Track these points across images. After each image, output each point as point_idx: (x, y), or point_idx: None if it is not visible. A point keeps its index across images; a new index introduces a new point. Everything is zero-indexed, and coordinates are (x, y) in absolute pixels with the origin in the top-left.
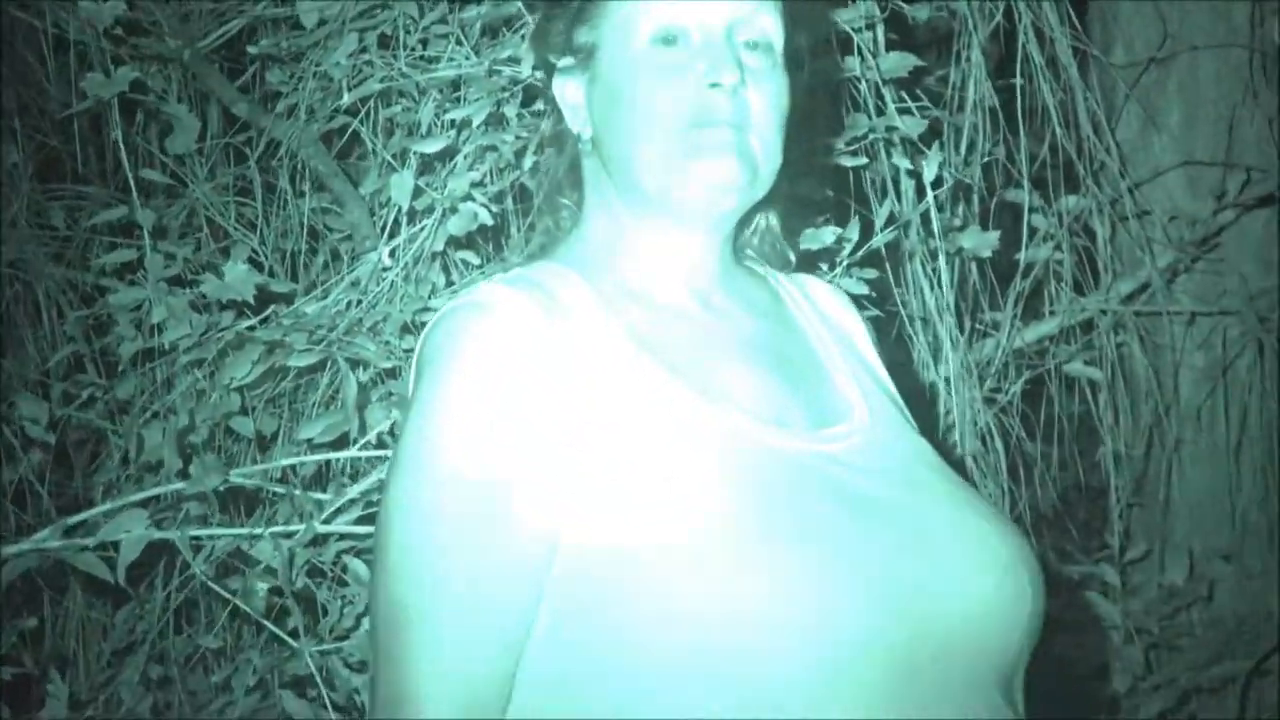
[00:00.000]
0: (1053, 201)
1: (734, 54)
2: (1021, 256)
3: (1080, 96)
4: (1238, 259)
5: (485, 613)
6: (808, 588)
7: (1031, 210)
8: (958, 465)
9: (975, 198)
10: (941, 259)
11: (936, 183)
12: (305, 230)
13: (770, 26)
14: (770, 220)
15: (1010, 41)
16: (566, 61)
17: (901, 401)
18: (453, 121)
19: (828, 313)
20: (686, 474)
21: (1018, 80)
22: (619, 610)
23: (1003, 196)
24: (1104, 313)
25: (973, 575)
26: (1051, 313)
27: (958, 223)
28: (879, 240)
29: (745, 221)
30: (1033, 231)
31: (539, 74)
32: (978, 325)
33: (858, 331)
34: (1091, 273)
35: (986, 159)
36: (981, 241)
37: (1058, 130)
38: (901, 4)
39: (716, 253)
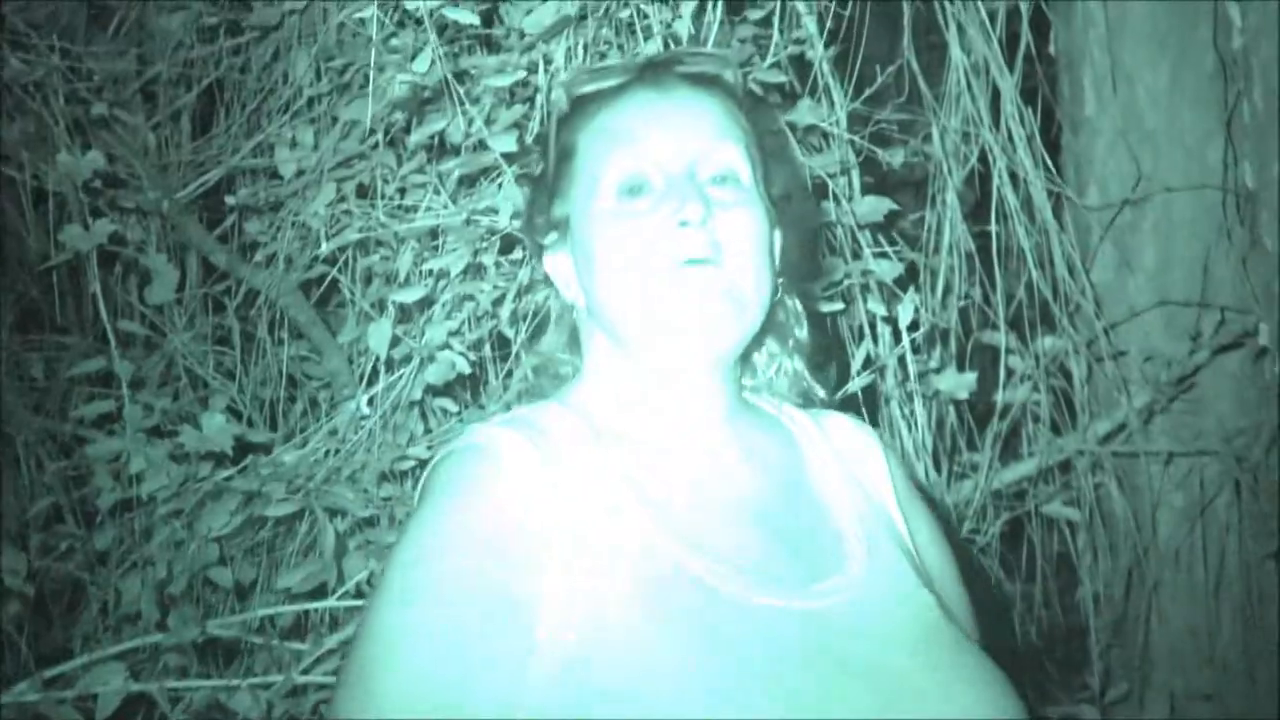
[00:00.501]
0: (1029, 343)
1: (698, 190)
2: (999, 398)
3: (1055, 238)
4: (1214, 399)
5: None
6: None
7: (1008, 352)
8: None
9: (952, 340)
10: (918, 401)
11: (912, 326)
12: (284, 379)
13: (733, 158)
14: (794, 363)
15: (985, 184)
16: (551, 238)
17: (912, 545)
18: (430, 270)
19: (845, 454)
20: (652, 624)
21: (993, 223)
22: None
23: (979, 338)
24: (1081, 453)
25: None
26: (1029, 454)
27: (934, 365)
28: (856, 384)
29: (769, 363)
30: (1010, 373)
31: (535, 261)
32: (956, 467)
33: (878, 472)
34: (1069, 413)
35: (963, 302)
36: (958, 383)
37: (1033, 272)
38: (875, 149)
39: (718, 395)
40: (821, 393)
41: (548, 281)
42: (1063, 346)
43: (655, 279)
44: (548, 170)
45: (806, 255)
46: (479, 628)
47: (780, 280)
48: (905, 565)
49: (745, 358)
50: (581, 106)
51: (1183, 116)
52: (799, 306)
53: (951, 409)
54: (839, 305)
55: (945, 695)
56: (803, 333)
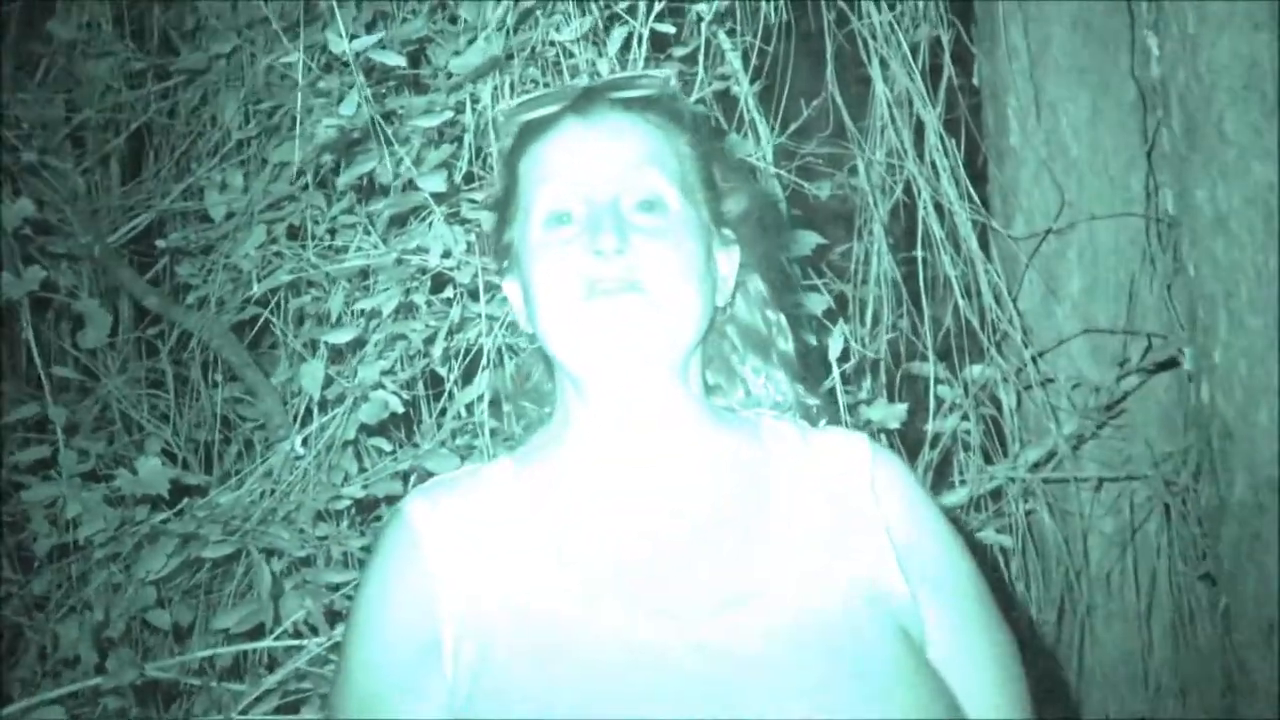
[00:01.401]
0: (958, 372)
1: (616, 220)
2: (929, 427)
3: (981, 268)
4: (1143, 424)
5: None
6: None
7: (937, 381)
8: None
9: (882, 370)
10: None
11: (842, 357)
12: (218, 421)
13: (658, 184)
14: (780, 374)
15: (911, 216)
16: (505, 263)
17: (881, 567)
18: (362, 310)
19: (827, 470)
20: (552, 667)
21: (919, 254)
22: None
23: (909, 368)
24: (1013, 480)
25: None
26: (961, 482)
27: (864, 396)
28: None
29: (755, 377)
30: (939, 402)
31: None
32: None
33: (860, 482)
34: (999, 441)
35: (892, 333)
36: (889, 414)
37: (960, 302)
38: (802, 182)
39: (661, 421)
40: (814, 401)
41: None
42: (991, 375)
43: (571, 307)
44: (500, 198)
45: (779, 268)
46: (398, 668)
47: (732, 301)
48: (849, 586)
49: (733, 373)
50: (524, 135)
51: (1105, 145)
52: (783, 320)
53: (883, 439)
54: None
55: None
56: (787, 345)
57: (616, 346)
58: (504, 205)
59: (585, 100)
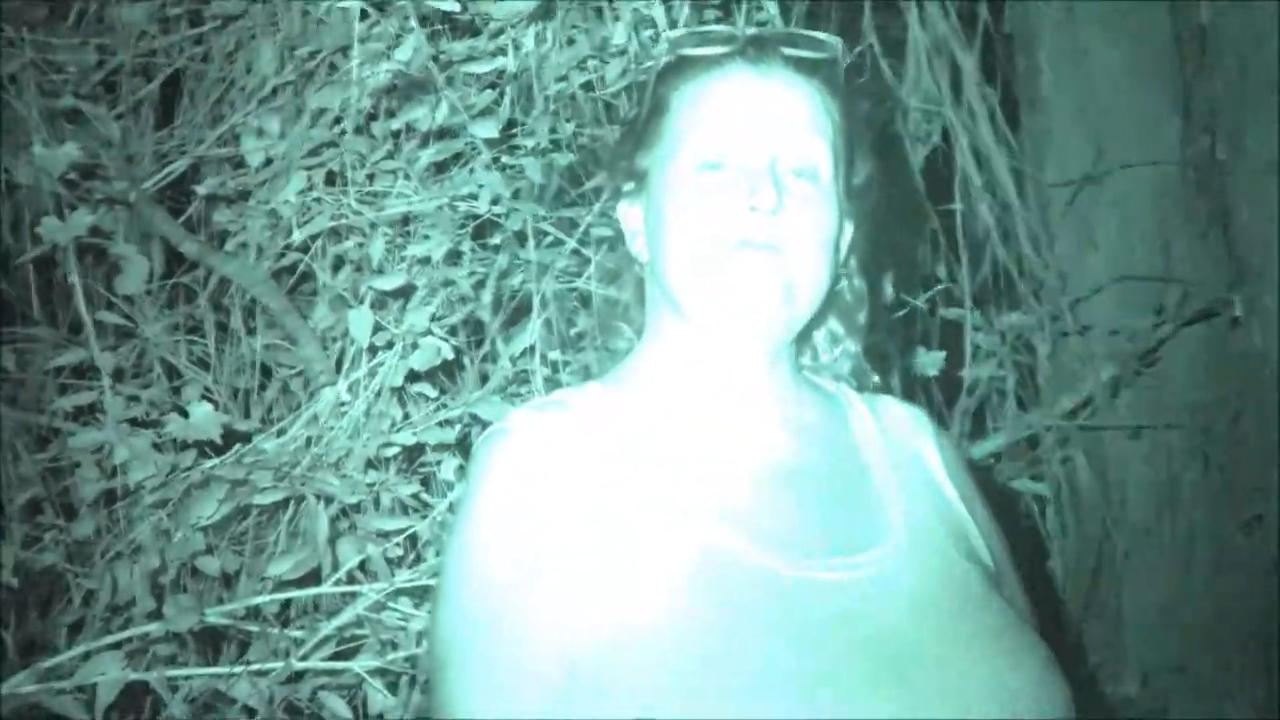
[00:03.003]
0: (994, 320)
1: (775, 180)
2: (965, 374)
3: (1019, 215)
4: (1178, 373)
5: (523, 701)
6: (770, 712)
7: (974, 328)
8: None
9: (919, 317)
10: (895, 380)
11: (891, 307)
12: (258, 367)
13: (817, 154)
14: (854, 346)
15: (948, 162)
16: (629, 186)
17: (968, 525)
18: (403, 257)
19: (897, 434)
20: (675, 596)
21: (956, 201)
22: (612, 698)
23: (946, 315)
24: (1048, 429)
25: (962, 712)
26: (996, 430)
27: (900, 343)
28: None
29: (830, 344)
30: (975, 350)
31: (608, 200)
32: None
33: (930, 452)
34: (1034, 389)
35: (935, 285)
36: (927, 361)
37: (998, 249)
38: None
39: (764, 373)
40: (875, 377)
41: (616, 227)
42: (1027, 322)
43: (714, 255)
44: (639, 119)
45: (880, 245)
46: (517, 606)
47: (843, 270)
48: (949, 540)
49: (805, 337)
50: (682, 66)
51: (1139, 92)
52: (865, 290)
53: (919, 386)
54: None
55: (977, 671)
56: (864, 317)
57: (746, 303)
58: (644, 129)
59: (756, 49)
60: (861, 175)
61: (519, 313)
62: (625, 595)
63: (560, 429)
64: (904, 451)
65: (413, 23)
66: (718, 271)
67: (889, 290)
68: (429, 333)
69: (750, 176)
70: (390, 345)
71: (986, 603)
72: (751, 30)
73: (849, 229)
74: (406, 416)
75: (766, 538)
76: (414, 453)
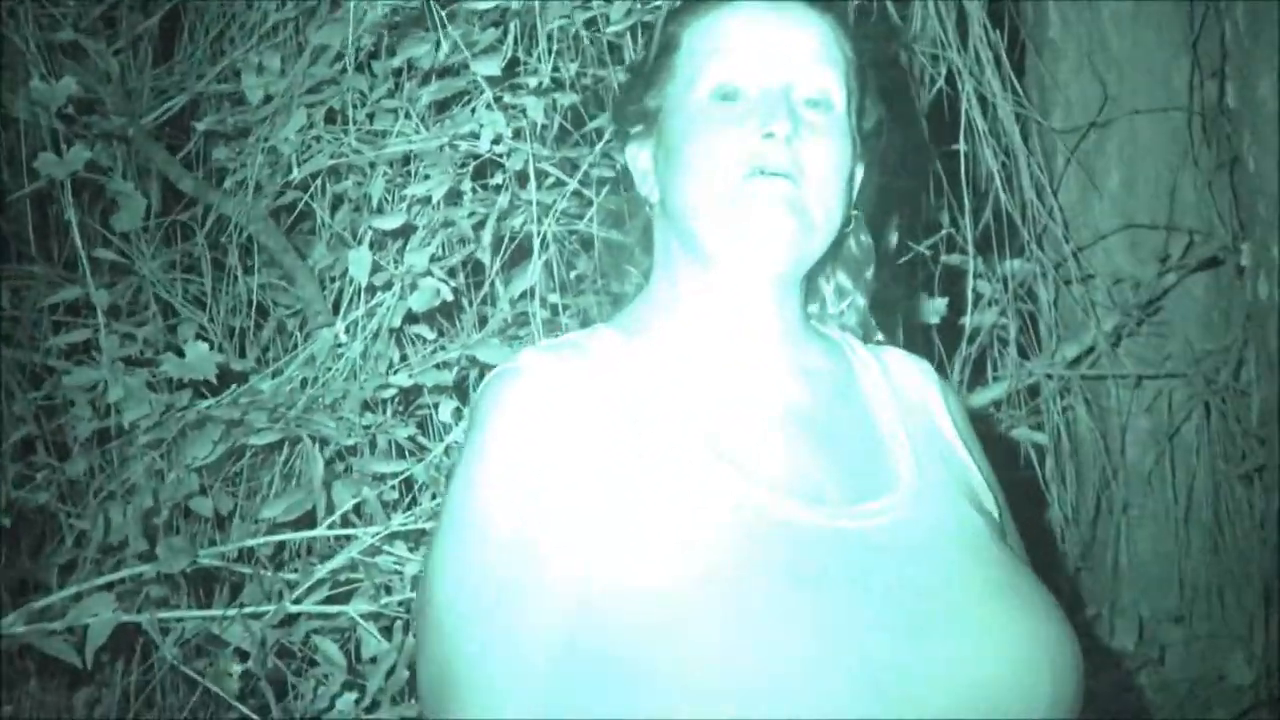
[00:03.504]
0: (997, 267)
1: (790, 107)
2: (967, 322)
3: (1023, 161)
4: (1181, 322)
5: (525, 661)
6: (788, 662)
7: (976, 275)
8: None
9: (920, 264)
10: (899, 327)
11: (895, 253)
12: (254, 307)
13: (830, 83)
14: (861, 301)
15: (953, 107)
16: (638, 129)
17: (974, 476)
18: (403, 196)
19: (902, 385)
20: (694, 539)
21: (961, 145)
22: (619, 660)
23: (948, 262)
24: (1049, 377)
25: (977, 662)
26: (997, 378)
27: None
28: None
29: (838, 297)
30: (977, 297)
31: (615, 144)
32: None
33: (935, 404)
34: (1036, 337)
35: (938, 232)
36: (929, 308)
37: (1001, 195)
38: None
39: (775, 314)
40: (880, 335)
41: (623, 170)
42: (1030, 270)
43: (730, 183)
44: (648, 60)
45: (886, 194)
46: (525, 547)
47: (855, 213)
48: (957, 489)
49: (814, 290)
50: (692, 4)
51: (1147, 39)
52: (871, 245)
53: (919, 333)
54: None
55: (990, 618)
56: (871, 272)
57: (763, 231)
58: (654, 69)
59: None
60: (872, 119)
61: (519, 254)
62: (648, 551)
63: (574, 372)
64: (910, 402)
65: None
66: (734, 202)
67: (893, 237)
68: (428, 273)
69: (766, 103)
70: (389, 286)
71: (994, 552)
72: None
73: (860, 169)
74: (404, 358)
75: (786, 488)
76: (411, 395)
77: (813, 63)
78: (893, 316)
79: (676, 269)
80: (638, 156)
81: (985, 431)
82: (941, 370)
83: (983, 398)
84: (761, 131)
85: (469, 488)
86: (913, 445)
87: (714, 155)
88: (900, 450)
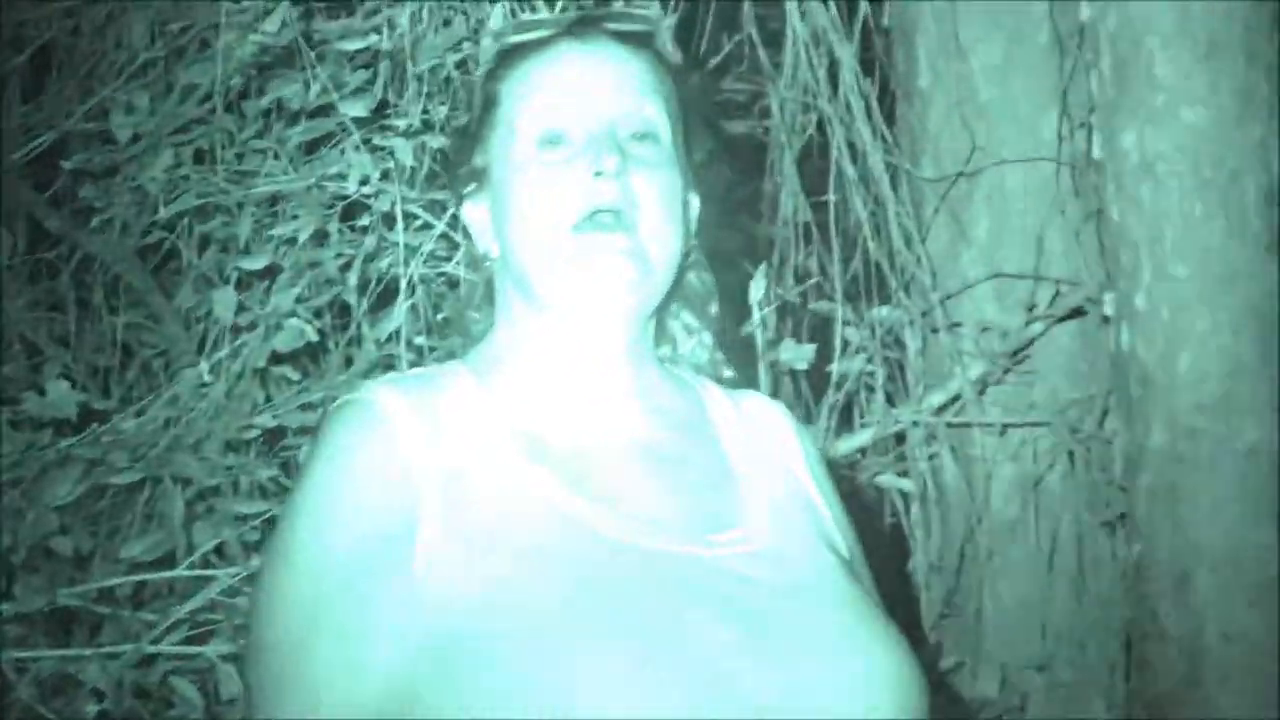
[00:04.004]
0: (865, 314)
1: (616, 144)
2: (834, 368)
3: (891, 210)
4: (1047, 371)
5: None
6: (634, 684)
7: (844, 322)
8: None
9: (789, 311)
10: (761, 372)
11: (761, 301)
12: (119, 346)
13: (654, 117)
14: (705, 337)
15: (822, 155)
16: (470, 187)
17: (826, 519)
18: (270, 237)
19: (758, 426)
20: (528, 564)
21: (830, 194)
22: (462, 684)
23: (816, 309)
24: (916, 424)
25: (829, 690)
26: (864, 425)
27: (769, 335)
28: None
29: (686, 336)
30: (845, 344)
31: (452, 204)
32: None
33: (790, 447)
34: (903, 384)
35: (807, 279)
36: (797, 354)
37: (870, 243)
38: (716, 119)
39: (622, 355)
40: (729, 371)
41: (464, 229)
42: (898, 317)
43: (564, 234)
44: (471, 119)
45: (723, 227)
46: (361, 568)
47: (693, 247)
48: (809, 528)
49: (663, 329)
50: (508, 58)
51: (1016, 89)
52: (713, 282)
53: (788, 379)
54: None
55: (837, 648)
56: (715, 308)
57: (603, 280)
58: (477, 127)
59: (580, 26)
60: (702, 150)
61: (386, 296)
62: (482, 573)
63: (422, 404)
64: (765, 443)
65: None
66: (570, 254)
67: (762, 284)
68: (293, 314)
69: (593, 143)
70: (254, 326)
71: (843, 588)
72: (572, 13)
73: (695, 201)
74: (268, 399)
75: (622, 512)
76: (275, 436)
77: (634, 98)
78: (759, 362)
79: (519, 318)
80: (474, 214)
81: (851, 478)
82: (808, 416)
83: (849, 444)
84: (591, 171)
85: (304, 513)
86: (767, 484)
87: (547, 203)
88: (752, 488)
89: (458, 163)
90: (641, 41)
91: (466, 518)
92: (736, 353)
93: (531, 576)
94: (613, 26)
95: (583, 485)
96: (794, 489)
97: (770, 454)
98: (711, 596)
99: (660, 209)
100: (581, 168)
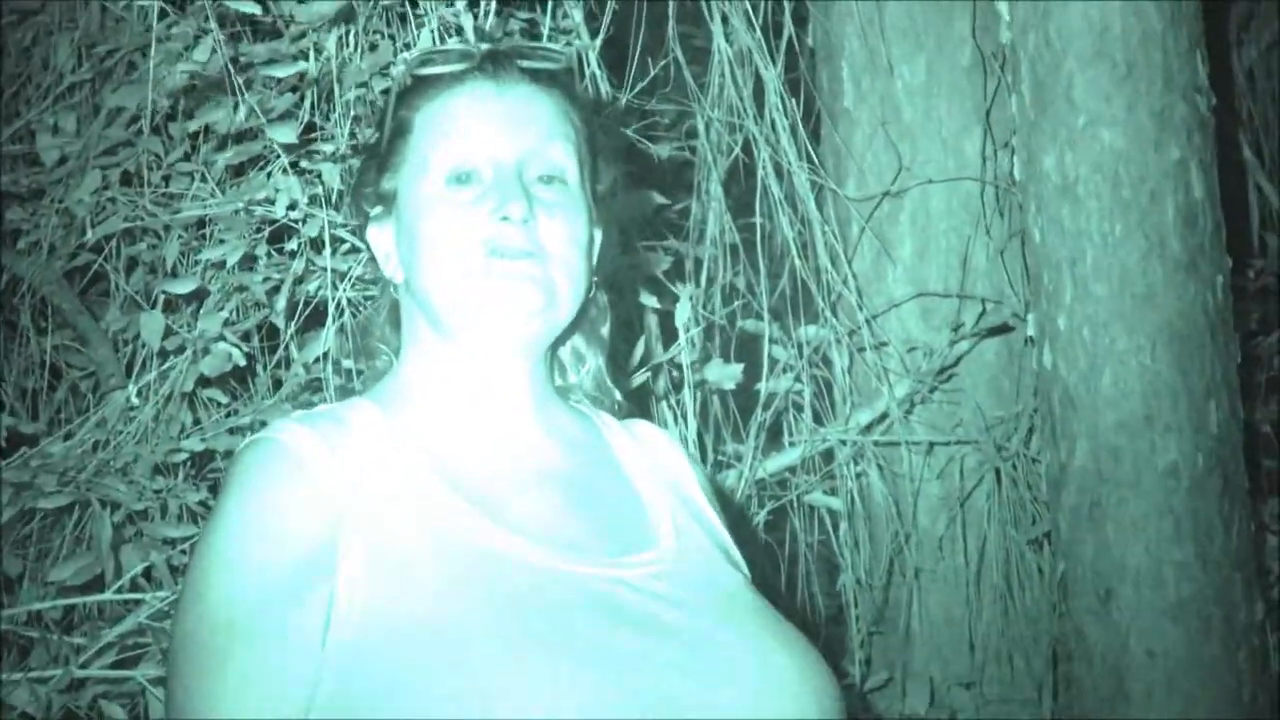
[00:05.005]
0: (792, 333)
1: (522, 189)
2: (762, 387)
3: (818, 229)
4: (973, 389)
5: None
6: (559, 701)
7: (772, 341)
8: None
9: (716, 330)
10: (687, 392)
11: (688, 323)
12: (47, 368)
13: (562, 159)
14: (598, 360)
15: (749, 175)
16: (377, 210)
17: (725, 538)
18: (198, 260)
19: (653, 453)
20: (448, 592)
21: (757, 214)
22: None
23: (743, 328)
24: (843, 443)
25: (754, 702)
26: (792, 443)
27: (696, 355)
28: (636, 381)
29: (576, 362)
30: (773, 363)
31: (355, 224)
32: (720, 457)
33: (684, 472)
34: (830, 403)
35: (734, 299)
36: (725, 374)
37: (796, 262)
38: (644, 141)
39: (525, 384)
40: (618, 395)
41: (367, 251)
42: (825, 336)
43: (470, 266)
44: (381, 143)
45: (621, 252)
46: (277, 607)
47: (595, 279)
48: (712, 546)
49: (553, 358)
50: (421, 86)
51: (940, 109)
52: (605, 302)
53: (716, 399)
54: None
55: (762, 660)
56: (606, 329)
57: (506, 311)
58: (388, 152)
59: (493, 63)
60: (606, 181)
61: (313, 319)
62: (393, 595)
63: (329, 440)
64: (661, 467)
65: (212, 23)
66: (477, 282)
67: (687, 308)
68: (221, 338)
69: (499, 186)
70: (182, 349)
71: (755, 604)
72: (486, 46)
73: (598, 235)
74: (197, 422)
75: (538, 536)
76: (203, 459)
77: (543, 140)
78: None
79: (425, 345)
80: (379, 238)
81: (779, 496)
82: (736, 435)
83: (778, 463)
84: (497, 215)
85: (218, 546)
86: (669, 506)
87: (452, 240)
88: (657, 510)
89: (363, 183)
90: (553, 79)
91: (387, 552)
92: (626, 378)
93: (456, 606)
94: (525, 64)
95: (500, 514)
96: (692, 509)
97: (666, 477)
98: (638, 616)
99: (567, 251)
100: (486, 210)
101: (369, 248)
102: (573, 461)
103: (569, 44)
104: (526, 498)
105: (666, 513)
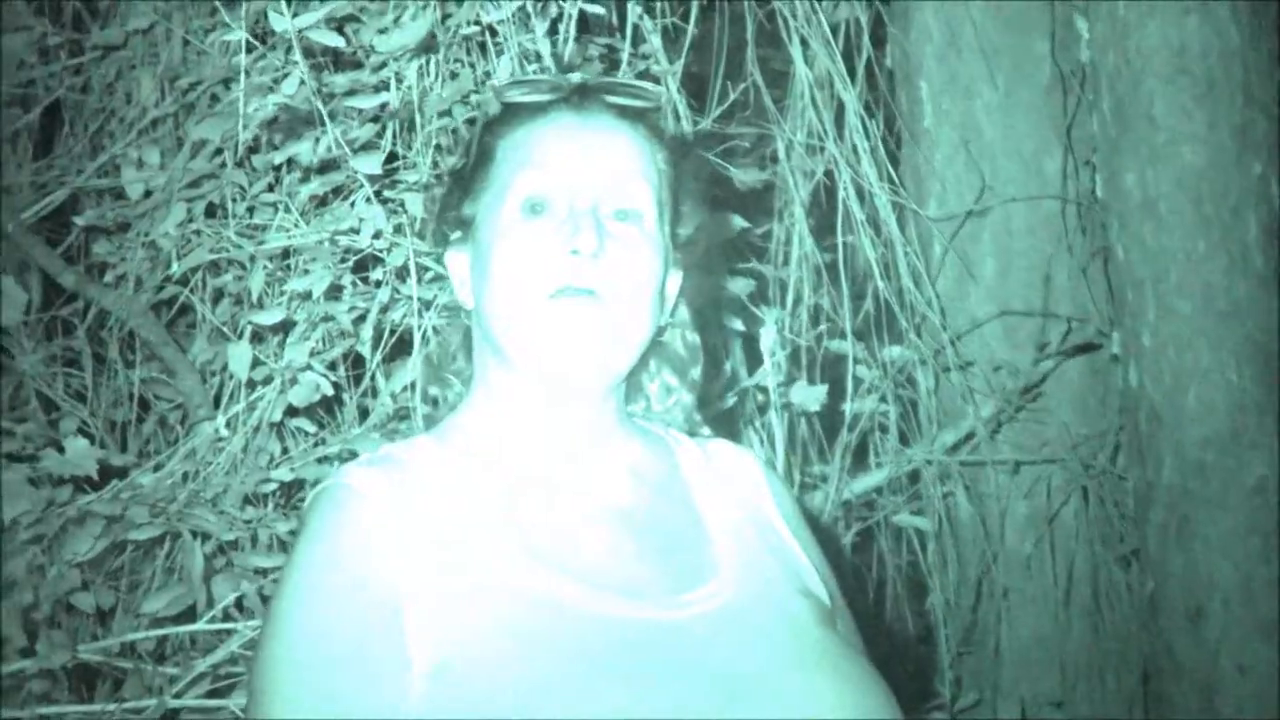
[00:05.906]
0: (877, 353)
1: (597, 223)
2: (848, 408)
3: (900, 250)
4: (1058, 408)
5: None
6: None
7: (856, 362)
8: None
9: (802, 352)
10: (774, 414)
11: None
12: (135, 400)
13: (639, 197)
14: (688, 399)
15: (830, 197)
16: (456, 235)
17: (804, 563)
18: (283, 290)
19: (728, 476)
20: (510, 643)
21: (839, 236)
22: None
23: (828, 350)
24: (929, 463)
25: None
26: (878, 464)
27: (781, 377)
28: (725, 405)
29: (664, 395)
30: (858, 383)
31: (436, 249)
32: (806, 478)
33: (763, 493)
34: (916, 423)
35: (818, 321)
36: (810, 396)
37: (879, 283)
38: (726, 165)
39: (590, 419)
40: (707, 431)
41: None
42: (909, 356)
43: (535, 300)
44: (466, 169)
45: (710, 299)
46: (353, 656)
47: (671, 319)
48: (782, 574)
49: (638, 387)
50: (507, 115)
51: (1019, 128)
52: (697, 343)
53: (802, 420)
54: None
55: (812, 695)
56: (698, 371)
57: (568, 350)
58: (470, 178)
59: (580, 96)
60: (689, 226)
61: (399, 348)
62: (460, 646)
63: (395, 485)
64: (735, 492)
65: (297, 56)
66: (539, 318)
67: (772, 332)
68: (308, 368)
69: (573, 220)
70: (269, 380)
71: (821, 635)
72: (576, 78)
73: (676, 276)
74: (285, 452)
75: (596, 582)
76: (292, 489)
77: (622, 177)
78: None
79: (491, 375)
80: (456, 262)
81: (866, 517)
82: (822, 456)
83: (864, 484)
84: (567, 248)
85: (299, 602)
86: (736, 533)
87: (521, 270)
88: (722, 539)
89: (445, 207)
90: (639, 116)
91: (448, 599)
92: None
93: (515, 654)
94: (612, 100)
95: (558, 560)
96: (766, 535)
97: (741, 502)
98: (684, 660)
99: (635, 290)
100: (558, 242)
101: (448, 273)
102: (636, 492)
103: (648, 70)
104: (581, 534)
105: (732, 542)
